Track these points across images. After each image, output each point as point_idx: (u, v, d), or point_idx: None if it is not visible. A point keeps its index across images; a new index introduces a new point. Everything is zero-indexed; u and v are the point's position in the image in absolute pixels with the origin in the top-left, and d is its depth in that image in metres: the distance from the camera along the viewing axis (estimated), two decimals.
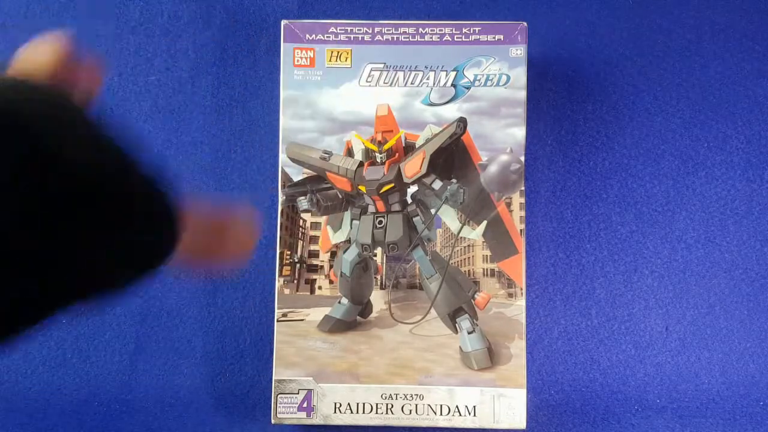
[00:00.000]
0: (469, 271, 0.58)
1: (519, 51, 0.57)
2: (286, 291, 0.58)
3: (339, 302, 0.58)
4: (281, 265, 0.58)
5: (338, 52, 0.57)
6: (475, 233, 0.57)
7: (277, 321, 0.57)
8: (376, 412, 0.57)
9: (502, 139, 0.57)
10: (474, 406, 0.56)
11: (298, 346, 0.57)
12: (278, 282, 0.58)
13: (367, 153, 0.58)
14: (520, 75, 0.57)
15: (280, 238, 0.58)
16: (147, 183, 0.29)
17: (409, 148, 0.58)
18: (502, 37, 0.57)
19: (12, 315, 0.27)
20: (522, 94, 0.57)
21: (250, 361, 0.60)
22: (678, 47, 0.62)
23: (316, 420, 0.57)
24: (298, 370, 0.57)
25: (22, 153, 0.25)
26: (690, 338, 0.60)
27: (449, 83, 0.57)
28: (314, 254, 0.59)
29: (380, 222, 0.59)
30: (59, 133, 0.26)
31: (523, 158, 0.57)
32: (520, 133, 0.57)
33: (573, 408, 0.60)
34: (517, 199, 0.57)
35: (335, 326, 0.58)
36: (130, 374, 0.60)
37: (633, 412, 0.60)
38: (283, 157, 0.58)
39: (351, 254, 0.59)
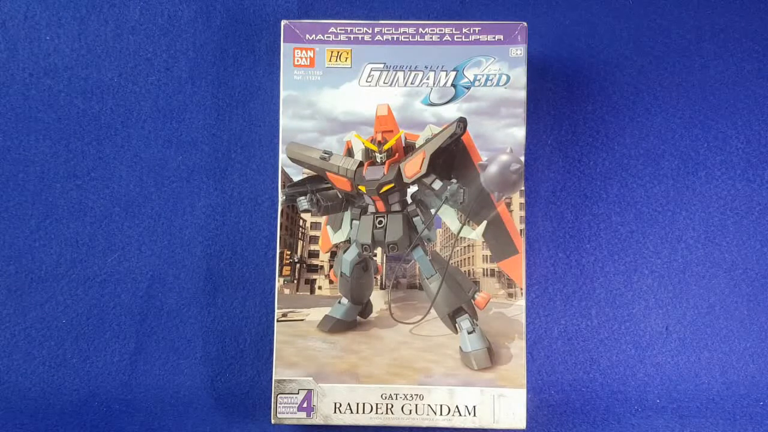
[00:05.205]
0: (469, 271, 0.58)
1: (519, 51, 0.57)
2: (286, 291, 0.58)
3: (339, 302, 0.58)
4: (281, 265, 0.58)
5: (338, 52, 0.57)
6: (475, 233, 0.57)
7: (277, 321, 0.57)
8: (376, 412, 0.57)
9: (502, 139, 0.57)
10: (474, 406, 0.56)
11: (298, 346, 0.57)
12: (278, 282, 0.58)
13: (367, 153, 0.58)
14: (520, 75, 0.57)
15: (280, 238, 0.58)
16: None
17: (409, 148, 0.58)
18: (502, 37, 0.57)
19: None
20: (522, 94, 0.57)
21: (250, 361, 0.60)
22: (678, 47, 0.62)
23: (316, 420, 0.57)
24: (298, 370, 0.57)
25: None
26: (690, 338, 0.60)
27: (449, 83, 0.57)
28: (314, 254, 0.59)
29: (380, 222, 0.59)
30: None
31: (523, 158, 0.57)
32: (520, 133, 0.57)
33: (573, 408, 0.60)
34: (517, 199, 0.57)
35: (335, 326, 0.58)
36: (130, 374, 0.60)
37: (633, 412, 0.60)
38: (283, 157, 0.58)
39: (351, 254, 0.59)
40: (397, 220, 0.58)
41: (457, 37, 0.57)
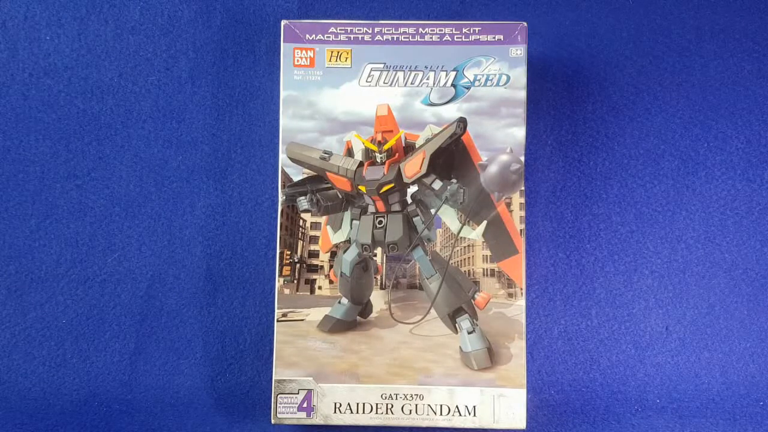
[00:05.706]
0: (469, 271, 0.58)
1: (519, 51, 0.57)
2: (286, 291, 0.58)
3: (339, 302, 0.58)
4: (281, 265, 0.58)
5: (338, 52, 0.57)
6: (475, 233, 0.57)
7: (277, 321, 0.57)
8: (376, 412, 0.57)
9: (502, 139, 0.57)
10: (474, 406, 0.56)
11: (298, 346, 0.57)
12: (278, 282, 0.58)
13: (367, 153, 0.58)
14: (520, 75, 0.57)
15: (280, 238, 0.58)
16: None
17: (409, 148, 0.58)
18: (502, 37, 0.57)
19: None
20: (522, 94, 0.57)
21: (250, 361, 0.60)
22: (678, 47, 0.62)
23: (316, 420, 0.57)
24: (298, 370, 0.57)
25: None
26: (690, 338, 0.60)
27: (449, 83, 0.57)
28: (314, 254, 0.59)
29: (380, 222, 0.59)
30: None
31: (523, 158, 0.57)
32: (520, 133, 0.57)
33: (573, 408, 0.60)
34: (517, 199, 0.57)
35: (335, 326, 0.58)
36: (130, 374, 0.60)
37: (633, 412, 0.60)
38: (283, 157, 0.58)
39: (351, 254, 0.59)
40: (397, 220, 0.58)
41: (457, 37, 0.57)
